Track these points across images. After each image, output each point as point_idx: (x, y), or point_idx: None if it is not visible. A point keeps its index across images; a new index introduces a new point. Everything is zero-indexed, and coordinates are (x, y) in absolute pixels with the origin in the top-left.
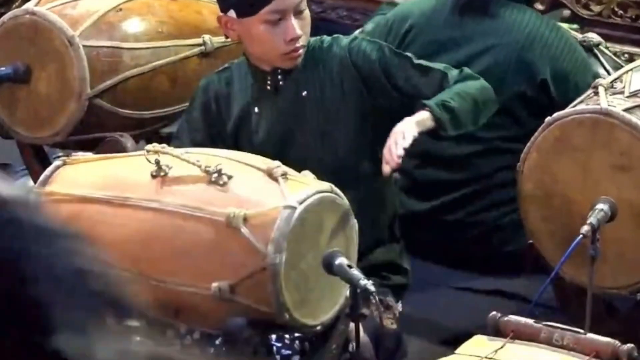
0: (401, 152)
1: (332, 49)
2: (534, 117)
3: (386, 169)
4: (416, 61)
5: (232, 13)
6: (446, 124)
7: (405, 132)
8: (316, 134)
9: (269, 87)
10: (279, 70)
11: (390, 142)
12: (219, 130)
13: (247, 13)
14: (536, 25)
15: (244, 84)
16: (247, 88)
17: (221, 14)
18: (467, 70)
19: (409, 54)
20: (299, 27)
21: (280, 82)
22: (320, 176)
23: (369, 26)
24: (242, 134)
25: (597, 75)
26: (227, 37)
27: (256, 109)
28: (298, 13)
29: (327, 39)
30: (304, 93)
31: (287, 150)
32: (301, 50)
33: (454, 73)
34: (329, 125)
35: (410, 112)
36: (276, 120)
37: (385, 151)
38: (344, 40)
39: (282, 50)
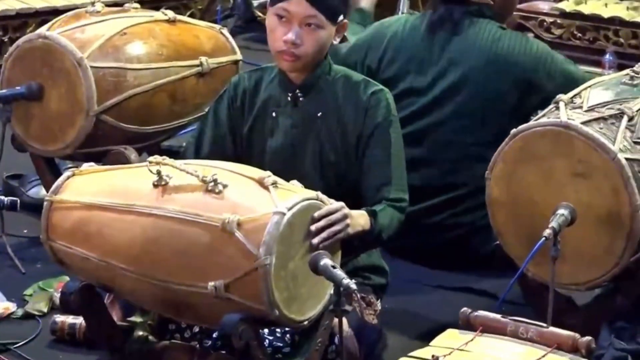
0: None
1: (358, 87)
2: (508, 123)
3: (315, 240)
4: (392, 153)
5: (269, 1)
6: (371, 236)
7: (345, 230)
8: (318, 149)
9: (289, 98)
10: (301, 86)
11: (332, 218)
12: (239, 126)
13: (272, 2)
14: (504, 38)
15: (270, 86)
16: (272, 90)
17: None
18: (404, 203)
19: (397, 145)
20: (300, 38)
21: (300, 98)
22: (314, 186)
23: (348, 44)
24: (257, 132)
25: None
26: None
27: (274, 113)
28: (307, 25)
29: (357, 76)
30: (319, 114)
31: (294, 157)
32: (295, 58)
33: (398, 195)
34: (331, 145)
35: None
36: (290, 130)
37: (321, 224)
38: (374, 87)
39: (277, 46)
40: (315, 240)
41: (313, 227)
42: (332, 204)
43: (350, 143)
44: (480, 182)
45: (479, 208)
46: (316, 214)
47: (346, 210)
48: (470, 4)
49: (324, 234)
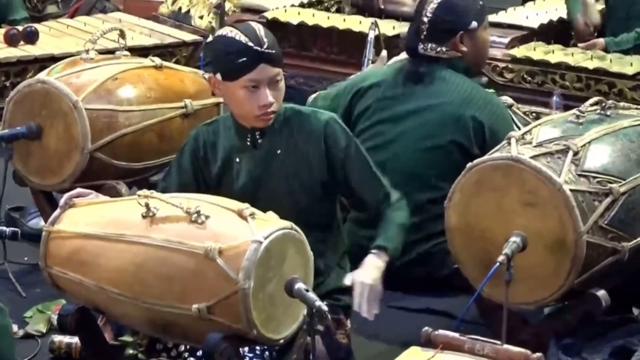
0: (375, 312)
1: (310, 120)
2: (464, 162)
3: (369, 316)
4: (373, 168)
5: (218, 76)
6: (392, 262)
7: (376, 293)
8: (284, 185)
9: (248, 143)
10: (258, 130)
11: (364, 297)
12: (204, 173)
13: (230, 78)
14: (469, 89)
15: (228, 135)
16: (231, 139)
17: (210, 74)
18: (402, 200)
19: (368, 158)
20: (272, 96)
21: (259, 140)
22: (285, 217)
23: (330, 89)
24: (225, 177)
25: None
26: (214, 94)
27: (237, 159)
28: (273, 84)
29: (306, 109)
30: (278, 151)
31: (260, 194)
32: (272, 115)
33: (394, 197)
34: (295, 180)
35: None
36: (253, 170)
37: (360, 305)
38: (323, 116)
39: (255, 113)
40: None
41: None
42: (355, 289)
43: (316, 174)
44: (434, 211)
45: (438, 234)
46: (356, 306)
47: (375, 286)
48: (439, 59)
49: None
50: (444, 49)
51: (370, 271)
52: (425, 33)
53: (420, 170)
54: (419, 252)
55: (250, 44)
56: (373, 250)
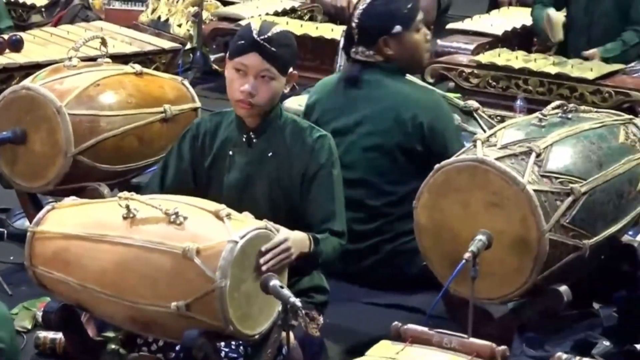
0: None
1: (305, 133)
2: (412, 163)
3: (263, 267)
4: (337, 200)
5: (228, 55)
6: (312, 260)
7: (290, 257)
8: (267, 188)
9: (244, 139)
10: (254, 129)
11: (277, 250)
12: (199, 162)
13: (230, 57)
14: (405, 91)
15: (228, 129)
16: (230, 132)
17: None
18: (341, 242)
19: (337, 188)
20: (255, 88)
21: (254, 139)
22: (267, 214)
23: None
24: (216, 169)
25: (459, 126)
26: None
27: (231, 152)
28: (260, 77)
29: (304, 122)
30: (270, 154)
31: (246, 192)
32: (251, 106)
33: (336, 226)
34: (277, 185)
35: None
36: (244, 166)
37: (268, 257)
38: (318, 133)
39: (235, 96)
40: (263, 267)
41: (262, 260)
42: (278, 235)
43: (295, 179)
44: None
45: (405, 234)
46: (263, 248)
47: (290, 242)
48: (371, 63)
49: (271, 262)
50: (372, 52)
51: (298, 237)
52: (356, 37)
53: (371, 178)
54: (387, 251)
55: (253, 32)
56: (309, 235)
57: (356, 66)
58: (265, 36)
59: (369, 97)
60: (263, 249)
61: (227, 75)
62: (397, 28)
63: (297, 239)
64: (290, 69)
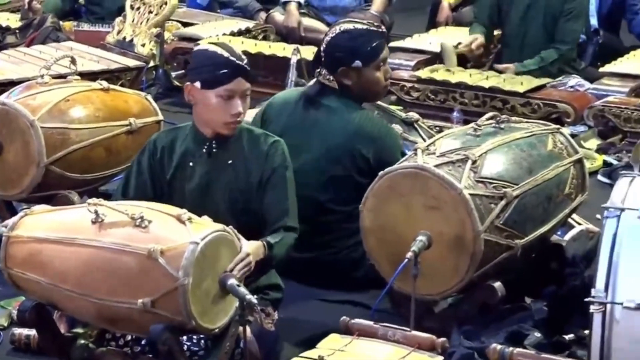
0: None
1: (259, 139)
2: (357, 190)
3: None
4: (290, 199)
5: (197, 84)
6: (267, 264)
7: (249, 265)
8: (227, 194)
9: (204, 150)
10: (214, 140)
11: (237, 261)
12: (159, 174)
13: (208, 87)
14: (358, 122)
15: (185, 143)
16: (188, 145)
17: (188, 83)
18: (294, 227)
19: (290, 189)
20: (242, 107)
21: (214, 150)
22: (227, 219)
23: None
24: (178, 179)
25: (404, 152)
26: (187, 100)
27: (191, 163)
28: (244, 97)
29: (257, 130)
30: (229, 162)
31: (207, 199)
32: (238, 125)
33: (291, 230)
34: (237, 191)
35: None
36: (204, 175)
37: (235, 273)
38: (272, 139)
39: (225, 120)
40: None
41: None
42: (240, 254)
43: (252, 183)
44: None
45: (352, 246)
46: (228, 267)
47: (250, 257)
48: (331, 87)
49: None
50: (331, 77)
51: (254, 246)
52: (322, 60)
53: (318, 197)
54: (332, 260)
55: (232, 58)
56: (264, 242)
57: (317, 87)
58: (244, 60)
59: (324, 122)
60: (228, 268)
61: (210, 104)
62: (357, 63)
63: (253, 249)
64: None
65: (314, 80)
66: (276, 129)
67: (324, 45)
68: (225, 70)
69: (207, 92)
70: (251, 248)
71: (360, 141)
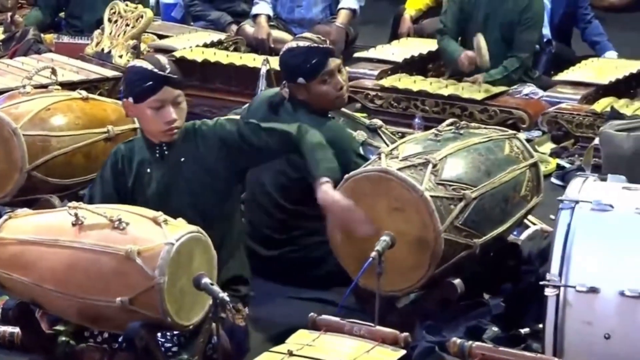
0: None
1: (202, 128)
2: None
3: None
4: (263, 125)
5: (131, 99)
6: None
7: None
8: (189, 190)
9: (157, 155)
10: (164, 143)
11: (353, 218)
12: (122, 183)
13: (139, 100)
14: (328, 128)
15: (141, 151)
16: (143, 154)
17: (124, 99)
18: (302, 126)
19: (254, 122)
20: (175, 114)
21: (166, 152)
22: (191, 217)
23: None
24: (138, 186)
25: (361, 155)
26: (127, 115)
27: (148, 170)
28: (176, 103)
29: (198, 122)
30: (182, 159)
31: (169, 199)
32: (176, 130)
33: (293, 130)
34: (199, 184)
35: None
36: (162, 178)
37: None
38: (210, 122)
39: (162, 128)
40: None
41: None
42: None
43: (214, 169)
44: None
45: (316, 244)
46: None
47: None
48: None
49: None
50: (287, 90)
51: (331, 194)
52: None
53: (277, 196)
54: (298, 257)
55: (155, 69)
56: (316, 183)
57: (281, 95)
58: (168, 69)
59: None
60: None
61: (143, 116)
62: (300, 80)
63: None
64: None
65: (280, 90)
66: None
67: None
68: (151, 82)
69: (140, 106)
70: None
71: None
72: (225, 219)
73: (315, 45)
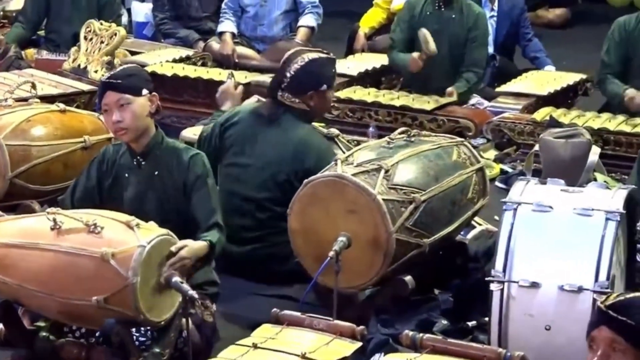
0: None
1: (182, 153)
2: (300, 184)
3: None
4: (213, 201)
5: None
6: (208, 257)
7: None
8: (158, 201)
9: (135, 163)
10: (140, 155)
11: (175, 259)
12: (103, 181)
13: (100, 108)
14: (304, 139)
15: (124, 156)
16: (125, 158)
17: None
18: (222, 224)
19: (213, 192)
20: (120, 116)
21: (142, 162)
22: (159, 223)
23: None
24: (116, 188)
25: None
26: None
27: (126, 174)
28: (119, 107)
29: (181, 145)
30: (156, 172)
31: (142, 206)
32: (125, 131)
33: (219, 219)
34: (167, 199)
35: None
36: (137, 185)
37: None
38: (192, 152)
39: (112, 130)
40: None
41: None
42: (179, 250)
43: (178, 191)
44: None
45: (283, 242)
46: (168, 263)
47: (188, 253)
48: (291, 107)
49: (174, 266)
50: (297, 100)
51: (196, 246)
52: (285, 84)
53: (259, 196)
54: (265, 254)
55: (102, 78)
56: (207, 241)
57: (280, 108)
58: (110, 75)
59: (280, 135)
60: (168, 263)
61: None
62: (324, 86)
63: (197, 248)
64: (145, 92)
65: (269, 100)
66: (236, 138)
67: (292, 72)
68: (99, 89)
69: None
70: (195, 248)
71: (306, 153)
72: (191, 232)
73: (333, 56)
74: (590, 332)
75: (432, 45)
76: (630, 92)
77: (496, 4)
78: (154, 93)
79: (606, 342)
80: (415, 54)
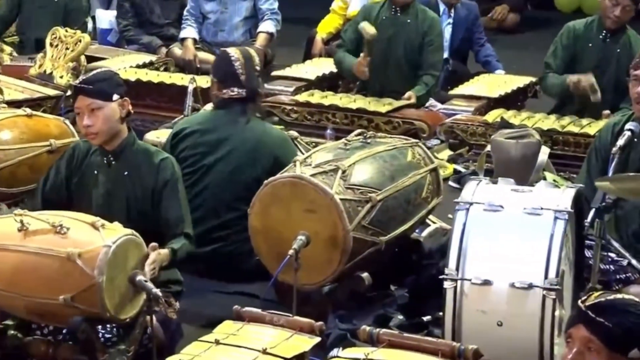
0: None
1: (152, 155)
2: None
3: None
4: (183, 206)
5: None
6: (171, 264)
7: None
8: (126, 201)
9: (105, 162)
10: (111, 154)
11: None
12: (72, 177)
13: (65, 111)
14: (266, 131)
15: (94, 153)
16: (95, 156)
17: None
18: (189, 240)
19: (182, 197)
20: (90, 121)
21: (113, 162)
22: (128, 224)
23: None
24: (84, 185)
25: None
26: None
27: (96, 172)
28: (90, 111)
29: (152, 148)
30: (125, 173)
31: (110, 204)
32: (95, 134)
33: (186, 234)
34: (134, 198)
35: None
36: (106, 183)
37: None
38: (163, 155)
39: (83, 133)
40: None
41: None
42: (148, 261)
43: (147, 193)
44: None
45: (244, 240)
46: (138, 278)
47: (156, 262)
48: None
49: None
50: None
51: (163, 254)
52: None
53: (226, 197)
54: (228, 252)
55: (74, 83)
56: (169, 249)
57: (237, 106)
58: (81, 80)
59: (235, 136)
60: (138, 278)
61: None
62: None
63: (161, 256)
64: (116, 97)
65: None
66: (192, 147)
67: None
68: (72, 93)
69: None
70: (160, 255)
71: (268, 145)
72: (157, 233)
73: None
74: (569, 328)
75: (372, 29)
76: (573, 77)
77: (453, 11)
78: (125, 98)
79: (582, 341)
80: (360, 58)
